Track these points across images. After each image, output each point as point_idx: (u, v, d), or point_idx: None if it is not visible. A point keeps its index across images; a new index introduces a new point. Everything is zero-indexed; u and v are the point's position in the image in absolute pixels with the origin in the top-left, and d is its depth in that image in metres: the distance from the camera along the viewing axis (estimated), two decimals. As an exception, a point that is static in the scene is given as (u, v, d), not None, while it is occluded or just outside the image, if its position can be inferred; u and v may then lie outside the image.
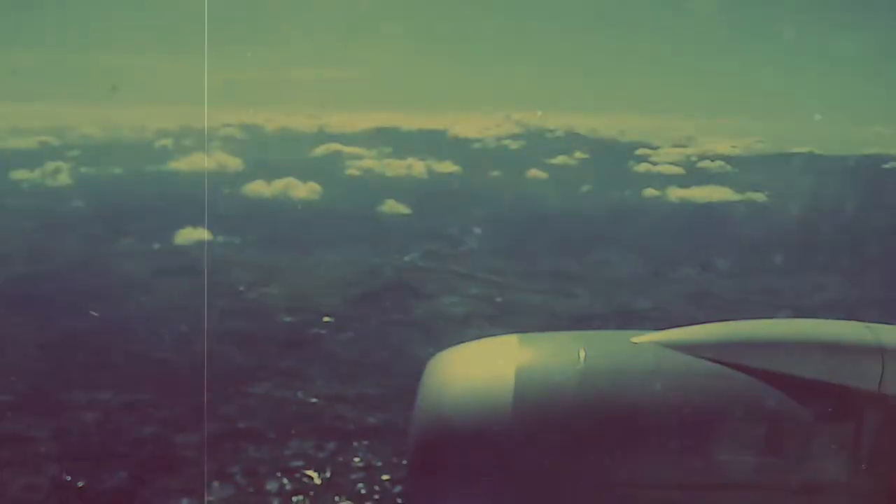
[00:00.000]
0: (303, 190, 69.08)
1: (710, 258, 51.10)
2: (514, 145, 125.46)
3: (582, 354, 2.26)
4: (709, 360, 2.26)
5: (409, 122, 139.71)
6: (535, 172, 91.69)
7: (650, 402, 2.20)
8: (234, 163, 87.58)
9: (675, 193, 74.10)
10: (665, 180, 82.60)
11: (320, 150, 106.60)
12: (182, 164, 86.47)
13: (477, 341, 2.43)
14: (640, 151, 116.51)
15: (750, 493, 2.16)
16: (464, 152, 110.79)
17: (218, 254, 49.08)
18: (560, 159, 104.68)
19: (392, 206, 59.07)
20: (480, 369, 2.29)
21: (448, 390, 2.27)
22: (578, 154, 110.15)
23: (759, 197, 70.00)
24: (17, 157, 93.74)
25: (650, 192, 75.91)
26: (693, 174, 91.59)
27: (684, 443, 2.16)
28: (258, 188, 69.15)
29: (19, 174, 77.30)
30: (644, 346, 2.34)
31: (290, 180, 69.67)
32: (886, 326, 2.37)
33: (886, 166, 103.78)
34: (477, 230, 56.89)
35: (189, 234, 49.06)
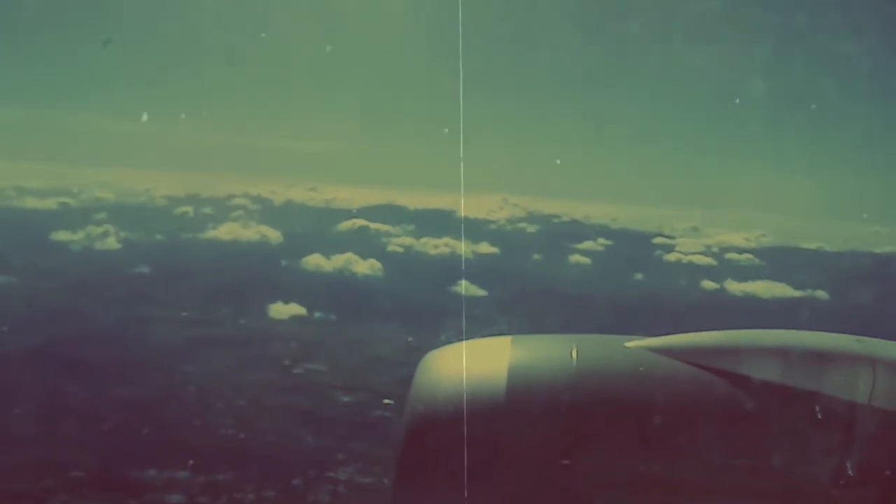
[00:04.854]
0: (364, 266, 68.23)
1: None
2: (530, 228, 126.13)
3: (574, 354, 2.26)
4: (699, 366, 2.24)
5: (407, 199, 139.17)
6: (577, 258, 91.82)
7: (639, 403, 2.20)
8: (274, 235, 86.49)
9: (733, 287, 74.28)
10: (711, 272, 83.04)
11: (346, 224, 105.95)
12: (220, 233, 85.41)
13: (470, 341, 2.42)
14: (657, 240, 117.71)
15: (735, 498, 2.14)
16: (485, 233, 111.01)
17: (315, 331, 47.59)
18: (587, 245, 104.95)
19: (466, 288, 58.24)
20: (473, 366, 2.29)
21: (441, 386, 2.25)
22: (601, 240, 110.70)
23: (822, 294, 70.14)
24: (43, 218, 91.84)
25: (708, 284, 76.04)
26: (726, 266, 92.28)
27: (671, 445, 2.14)
28: (317, 261, 68.05)
29: (61, 235, 75.12)
30: (636, 351, 2.33)
31: (351, 256, 68.81)
32: (877, 340, 2.35)
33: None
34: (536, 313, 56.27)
35: (282, 309, 47.54)
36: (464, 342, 2.44)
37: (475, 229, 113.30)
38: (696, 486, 2.17)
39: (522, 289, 63.58)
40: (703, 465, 2.16)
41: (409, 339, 48.93)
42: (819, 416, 2.17)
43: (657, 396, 2.22)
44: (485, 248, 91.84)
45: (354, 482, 34.69)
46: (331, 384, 44.72)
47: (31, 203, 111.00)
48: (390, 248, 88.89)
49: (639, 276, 78.78)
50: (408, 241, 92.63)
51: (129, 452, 34.64)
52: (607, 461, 2.18)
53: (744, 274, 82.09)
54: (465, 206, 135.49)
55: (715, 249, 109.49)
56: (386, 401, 42.88)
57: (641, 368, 2.27)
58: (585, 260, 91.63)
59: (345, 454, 36.84)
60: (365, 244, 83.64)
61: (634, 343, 2.38)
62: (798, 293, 71.44)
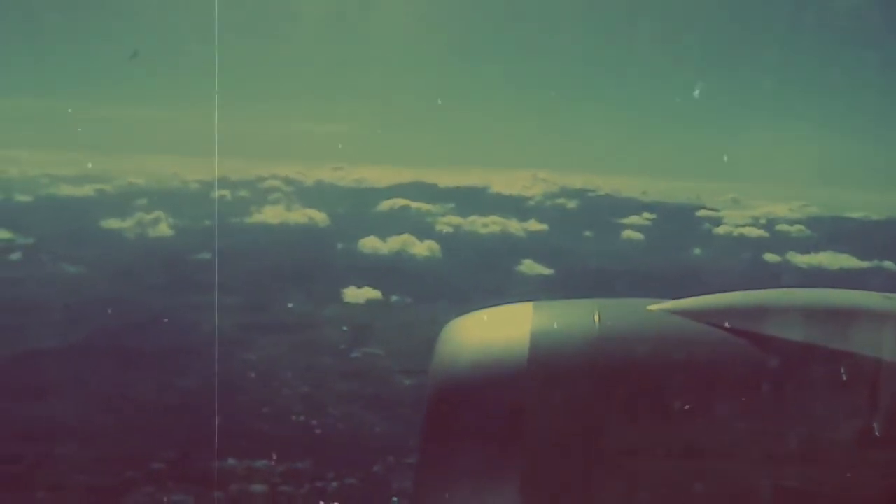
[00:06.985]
0: (422, 247, 67.37)
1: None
2: (570, 204, 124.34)
3: (597, 318, 2.26)
4: (723, 328, 2.23)
5: (433, 177, 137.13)
6: (628, 233, 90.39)
7: (663, 367, 2.20)
8: (320, 217, 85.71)
9: (796, 259, 72.64)
10: (768, 244, 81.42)
11: (387, 204, 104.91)
12: (266, 216, 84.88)
13: (492, 308, 2.43)
14: (701, 213, 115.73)
15: (759, 461, 2.14)
16: (526, 210, 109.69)
17: (391, 314, 46.83)
18: (633, 219, 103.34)
19: (531, 267, 57.33)
20: (496, 333, 2.32)
21: (463, 353, 2.28)
22: (646, 215, 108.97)
23: (890, 265, 68.23)
24: (84, 206, 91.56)
25: (771, 257, 74.42)
26: (781, 238, 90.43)
27: (694, 408, 2.14)
28: (373, 244, 67.27)
29: (111, 223, 74.57)
30: (659, 314, 2.34)
31: (408, 237, 67.93)
32: None
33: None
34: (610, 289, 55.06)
35: (356, 293, 46.68)
36: (486, 309, 2.39)
37: (515, 206, 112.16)
38: (720, 448, 2.11)
39: (586, 266, 62.42)
40: (727, 426, 2.12)
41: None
42: (845, 376, 2.11)
43: (680, 359, 2.19)
44: (534, 225, 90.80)
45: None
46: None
47: (66, 191, 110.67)
48: (438, 227, 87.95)
49: (697, 250, 77.40)
50: (455, 220, 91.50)
51: (206, 442, 34.27)
52: (630, 426, 2.14)
53: (803, 245, 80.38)
54: (496, 183, 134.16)
55: (763, 221, 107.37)
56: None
57: (665, 332, 2.24)
58: (637, 235, 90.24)
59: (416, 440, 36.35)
60: (412, 224, 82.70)
61: (657, 306, 2.32)
62: (865, 264, 69.52)
